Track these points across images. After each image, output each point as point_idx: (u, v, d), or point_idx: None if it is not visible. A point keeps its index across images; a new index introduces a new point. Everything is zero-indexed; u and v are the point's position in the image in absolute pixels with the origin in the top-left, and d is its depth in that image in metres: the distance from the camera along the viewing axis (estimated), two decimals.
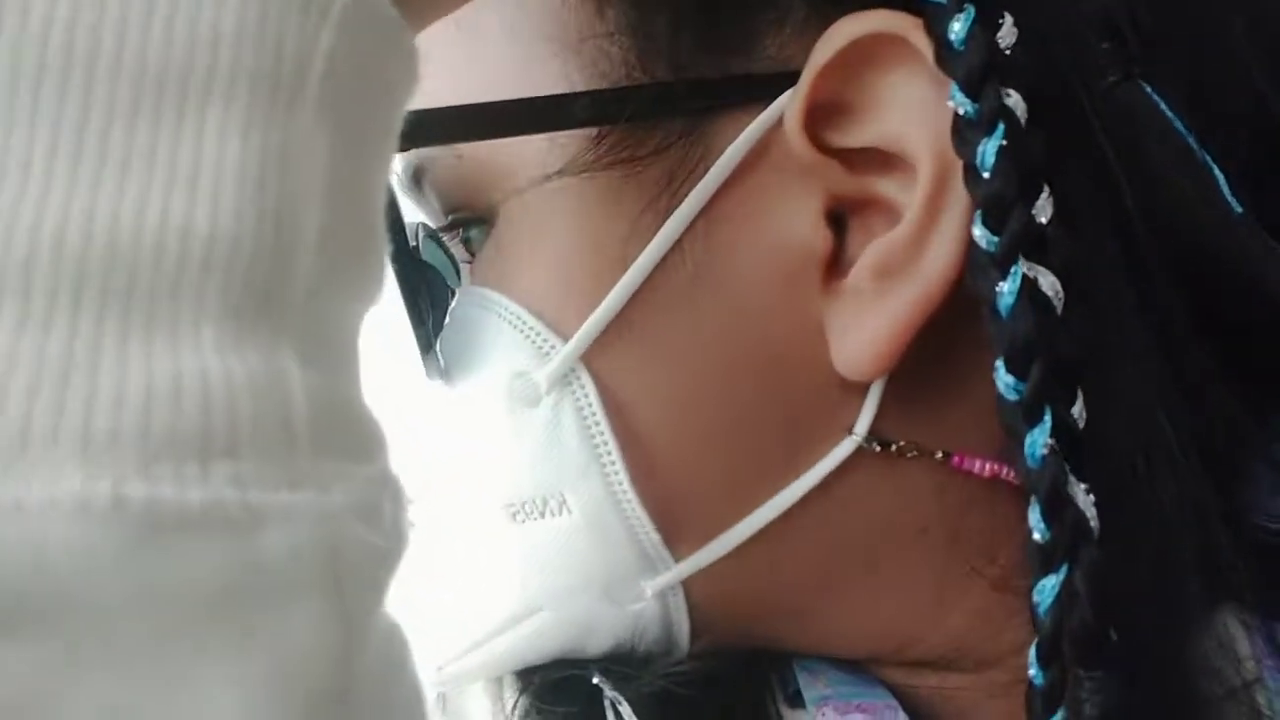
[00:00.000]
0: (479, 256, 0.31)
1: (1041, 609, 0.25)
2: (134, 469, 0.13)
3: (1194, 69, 0.28)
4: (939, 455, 0.28)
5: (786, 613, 0.31)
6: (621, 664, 0.32)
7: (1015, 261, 0.24)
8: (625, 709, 0.31)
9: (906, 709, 0.31)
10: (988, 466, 0.28)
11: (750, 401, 0.28)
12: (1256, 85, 0.28)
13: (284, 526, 0.14)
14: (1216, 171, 0.28)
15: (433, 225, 0.33)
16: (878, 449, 0.28)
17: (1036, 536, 0.25)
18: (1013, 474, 0.28)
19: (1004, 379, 0.25)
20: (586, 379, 0.29)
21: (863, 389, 0.28)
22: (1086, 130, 0.26)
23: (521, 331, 0.29)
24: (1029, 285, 0.24)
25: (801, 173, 0.27)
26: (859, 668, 0.33)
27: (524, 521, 0.30)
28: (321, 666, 0.15)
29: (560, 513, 0.29)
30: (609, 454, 0.28)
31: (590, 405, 0.28)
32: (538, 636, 0.32)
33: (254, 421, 0.14)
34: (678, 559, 0.29)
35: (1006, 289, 0.24)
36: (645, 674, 0.31)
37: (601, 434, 0.28)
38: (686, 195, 0.28)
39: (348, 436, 0.16)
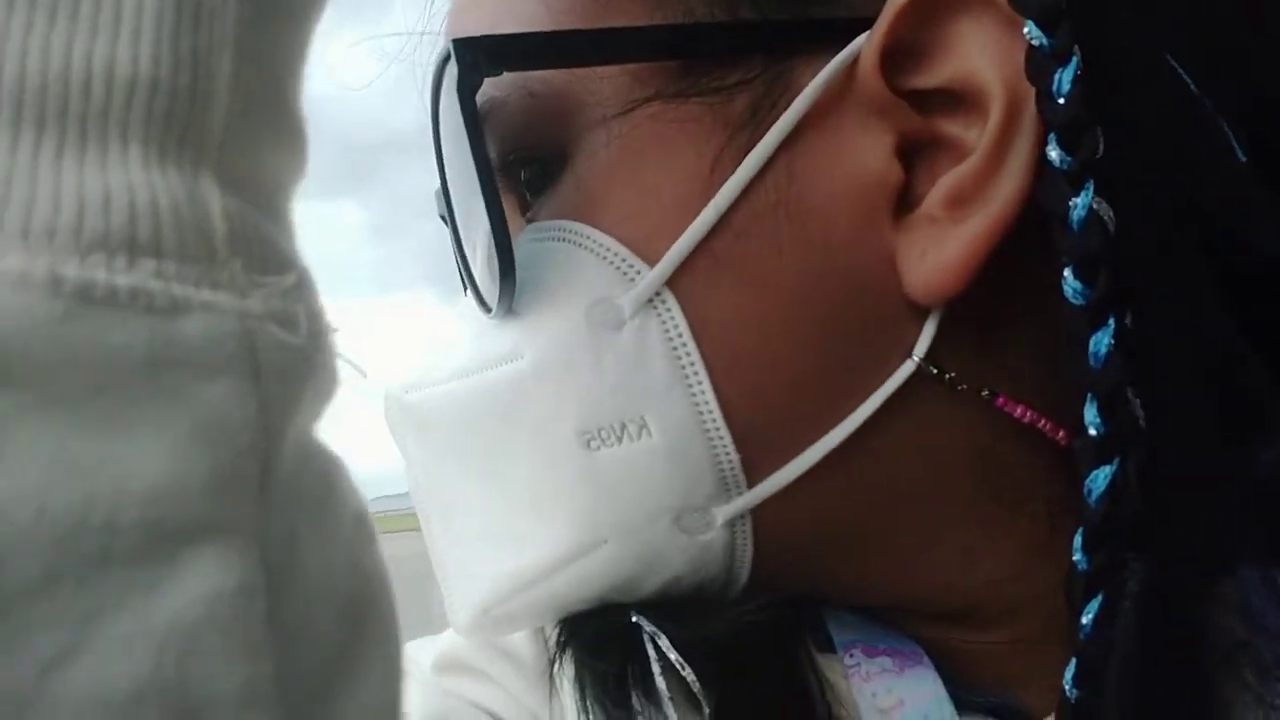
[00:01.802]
0: (552, 192, 0.32)
1: (1093, 497, 0.27)
2: (68, 257, 0.16)
3: (1194, 35, 0.31)
4: (985, 393, 0.30)
5: (841, 548, 0.32)
6: (665, 608, 0.33)
7: (1088, 179, 0.27)
8: (664, 640, 0.32)
9: (933, 660, 0.33)
10: (1027, 413, 0.30)
11: (824, 326, 0.30)
12: (1250, 52, 0.32)
13: (204, 315, 0.17)
14: (1224, 125, 0.31)
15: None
16: (934, 371, 0.30)
17: (1092, 432, 0.27)
18: (1048, 424, 0.30)
19: (1072, 285, 0.27)
20: (672, 301, 0.30)
21: (921, 320, 0.30)
22: (1121, 78, 0.29)
23: (605, 258, 0.30)
24: (1099, 202, 0.27)
25: (875, 112, 0.29)
26: (886, 621, 0.34)
27: (598, 449, 0.31)
28: (240, 430, 0.17)
29: (639, 436, 0.30)
30: (695, 373, 0.29)
31: (676, 326, 0.30)
32: (599, 571, 0.32)
33: (176, 229, 0.17)
34: (751, 484, 0.31)
35: (1080, 203, 0.27)
36: (682, 620, 0.33)
37: (688, 353, 0.29)
38: (769, 128, 0.29)
39: (263, 253, 0.18)
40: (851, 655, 0.34)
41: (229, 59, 0.18)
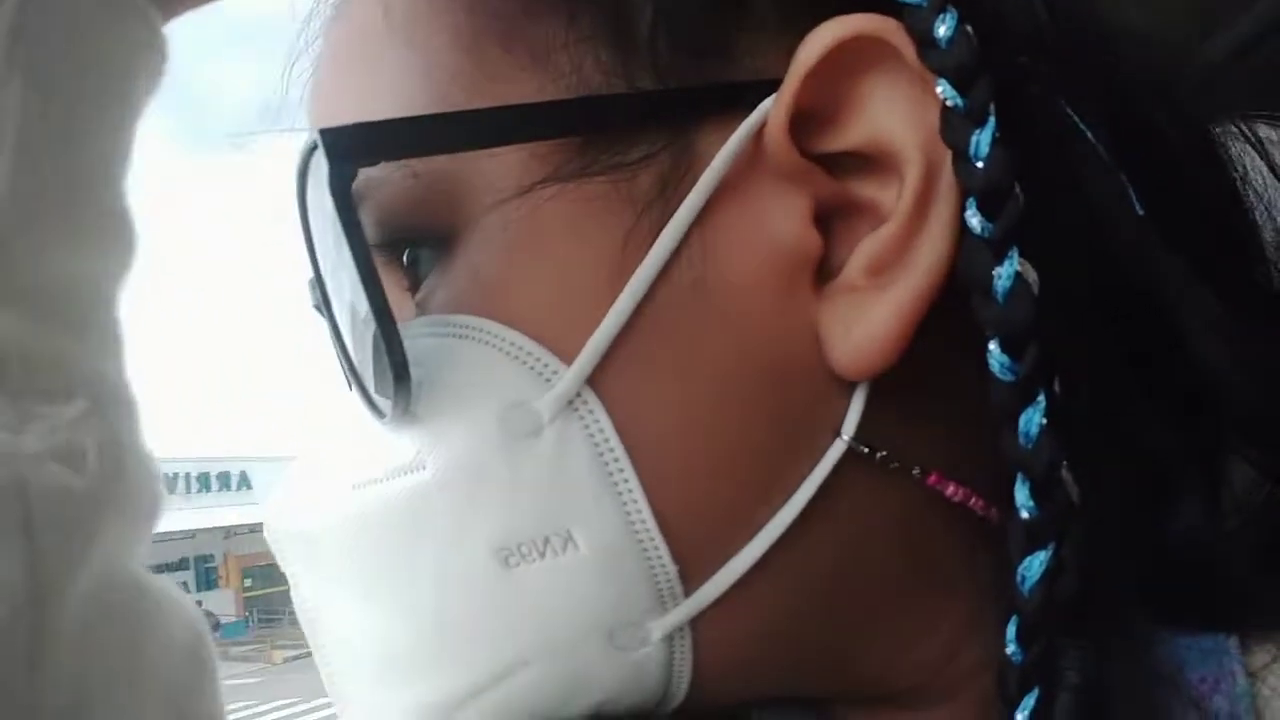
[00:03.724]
0: (442, 276, 0.29)
1: (1026, 585, 0.26)
2: None
3: (1091, 87, 0.31)
4: (916, 472, 0.29)
5: (780, 649, 0.30)
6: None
7: (1011, 247, 0.26)
8: None
9: None
10: (959, 491, 0.29)
11: (752, 412, 0.28)
12: (1144, 104, 0.31)
13: None
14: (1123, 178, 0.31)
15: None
16: (865, 450, 0.28)
17: (1024, 515, 0.26)
18: (979, 503, 0.29)
19: (999, 359, 0.26)
20: (594, 400, 0.27)
21: (847, 398, 0.28)
22: (1037, 137, 0.28)
23: (517, 358, 0.27)
24: (1024, 266, 0.26)
25: (786, 178, 0.28)
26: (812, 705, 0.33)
27: (516, 565, 0.28)
28: (4, 607, 0.14)
29: (564, 551, 0.27)
30: (625, 479, 0.27)
31: (601, 430, 0.27)
32: (521, 696, 0.29)
33: None
34: (688, 594, 0.28)
35: (1004, 273, 0.26)
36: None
37: (615, 459, 0.27)
38: (680, 203, 0.27)
39: (48, 379, 0.16)
40: None
41: (9, 156, 0.16)
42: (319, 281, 0.31)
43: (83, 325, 0.17)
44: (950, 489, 0.29)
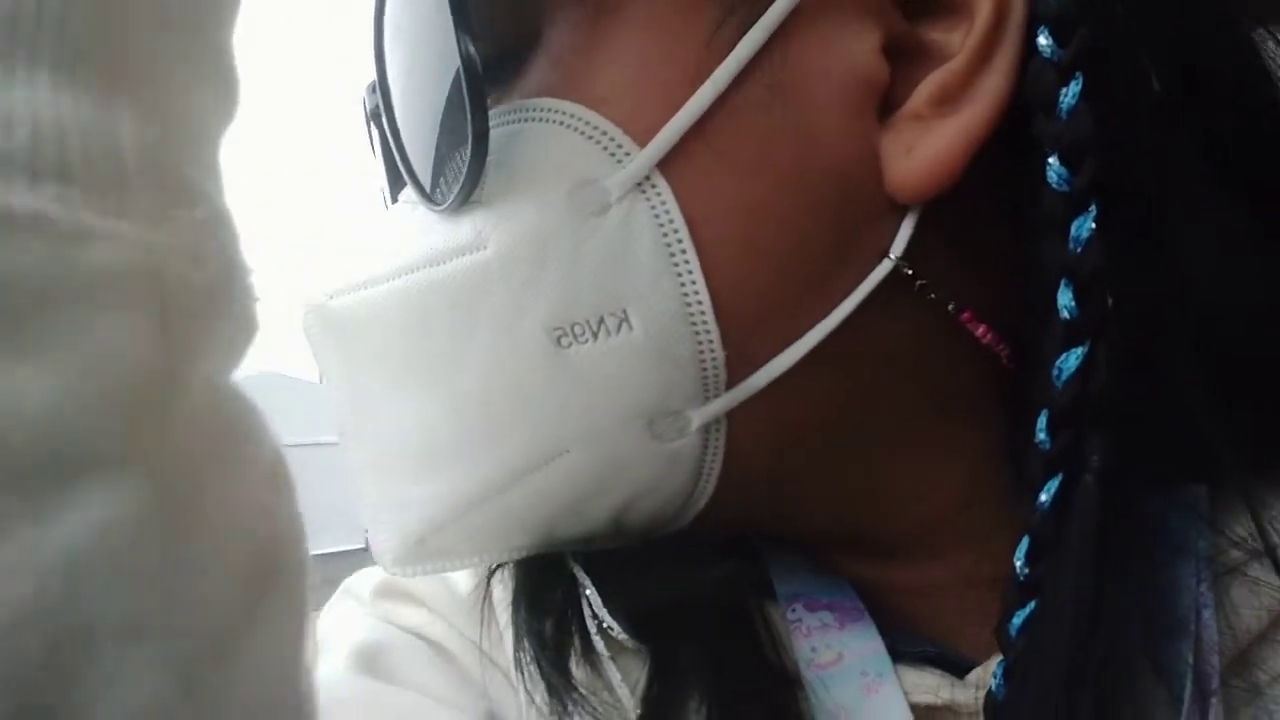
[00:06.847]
0: (518, 81, 0.30)
1: (1061, 378, 0.27)
2: None
3: None
4: (951, 306, 0.30)
5: (803, 462, 0.31)
6: (615, 562, 0.32)
7: (1077, 71, 0.27)
8: (595, 599, 0.32)
9: (874, 608, 0.33)
10: (988, 334, 0.30)
11: (809, 219, 0.29)
12: None
13: (108, 245, 0.16)
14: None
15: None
16: (908, 273, 0.29)
17: (1065, 315, 0.27)
18: (1004, 350, 0.30)
19: (1057, 171, 0.27)
20: (663, 185, 0.28)
21: (897, 223, 0.29)
22: None
23: (590, 137, 0.28)
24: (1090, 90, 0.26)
25: (865, 9, 0.29)
26: (827, 568, 0.34)
27: (569, 346, 0.28)
28: (140, 363, 0.16)
29: (618, 331, 0.28)
30: (686, 262, 0.28)
31: (668, 212, 0.28)
32: (555, 486, 0.30)
33: (83, 155, 0.16)
34: (730, 385, 0.29)
35: (1069, 92, 0.27)
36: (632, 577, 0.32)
37: (679, 241, 0.28)
38: (766, 9, 0.28)
39: (176, 185, 0.18)
40: (793, 610, 0.33)
41: None
42: (382, 78, 0.31)
43: (203, 158, 0.18)
44: (980, 330, 0.30)
